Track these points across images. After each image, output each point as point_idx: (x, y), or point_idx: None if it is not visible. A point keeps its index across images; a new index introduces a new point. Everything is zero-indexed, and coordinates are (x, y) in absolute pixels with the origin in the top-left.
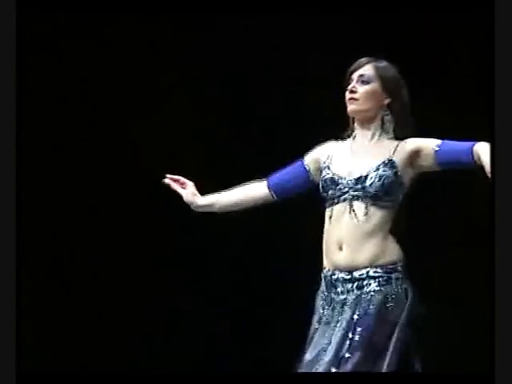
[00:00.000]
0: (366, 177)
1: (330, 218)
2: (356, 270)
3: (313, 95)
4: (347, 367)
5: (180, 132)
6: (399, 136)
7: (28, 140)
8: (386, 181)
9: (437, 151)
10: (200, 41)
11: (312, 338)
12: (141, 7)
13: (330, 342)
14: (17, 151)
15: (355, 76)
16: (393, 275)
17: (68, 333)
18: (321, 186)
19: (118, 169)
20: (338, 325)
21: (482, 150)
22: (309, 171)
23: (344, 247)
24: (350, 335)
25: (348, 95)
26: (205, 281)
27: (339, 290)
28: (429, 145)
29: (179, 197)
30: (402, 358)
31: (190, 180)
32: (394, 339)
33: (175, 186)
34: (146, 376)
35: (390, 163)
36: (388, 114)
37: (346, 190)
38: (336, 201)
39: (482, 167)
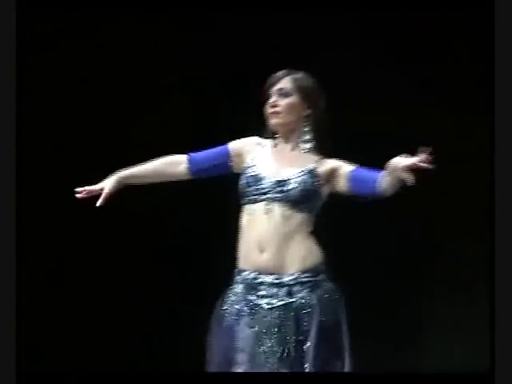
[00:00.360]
0: (288, 181)
1: (248, 216)
2: (283, 274)
3: None
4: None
5: (179, 131)
6: (319, 145)
7: (28, 139)
8: (305, 188)
9: (348, 176)
10: (200, 41)
11: (228, 341)
12: (141, 7)
13: (268, 349)
14: (17, 150)
15: (274, 90)
16: (319, 277)
17: (68, 333)
18: (242, 182)
19: (116, 169)
20: (273, 333)
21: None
22: (230, 158)
23: (266, 249)
24: (294, 344)
25: (269, 110)
26: (203, 280)
27: (262, 293)
28: (345, 168)
29: (178, 196)
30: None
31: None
32: (339, 338)
33: (103, 198)
34: (146, 376)
35: (311, 173)
36: (308, 124)
37: (267, 190)
38: (255, 199)
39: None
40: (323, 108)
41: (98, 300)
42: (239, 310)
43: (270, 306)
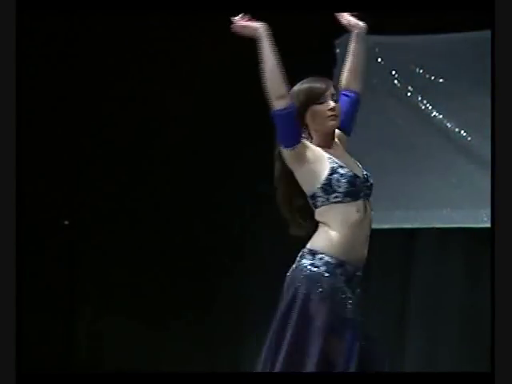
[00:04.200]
0: (369, 176)
1: (348, 214)
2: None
3: None
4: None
5: (178, 131)
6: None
7: (28, 139)
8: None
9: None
10: (199, 41)
11: (339, 331)
12: (139, 7)
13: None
14: (17, 149)
15: (328, 94)
16: None
17: (68, 333)
18: (340, 183)
19: (116, 170)
20: (353, 321)
21: None
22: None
23: (367, 245)
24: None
25: (329, 113)
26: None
27: (353, 284)
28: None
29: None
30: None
31: (186, 179)
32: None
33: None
34: (146, 376)
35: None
36: None
37: (359, 188)
38: (356, 197)
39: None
40: None
41: (98, 300)
42: (346, 302)
43: (353, 299)
